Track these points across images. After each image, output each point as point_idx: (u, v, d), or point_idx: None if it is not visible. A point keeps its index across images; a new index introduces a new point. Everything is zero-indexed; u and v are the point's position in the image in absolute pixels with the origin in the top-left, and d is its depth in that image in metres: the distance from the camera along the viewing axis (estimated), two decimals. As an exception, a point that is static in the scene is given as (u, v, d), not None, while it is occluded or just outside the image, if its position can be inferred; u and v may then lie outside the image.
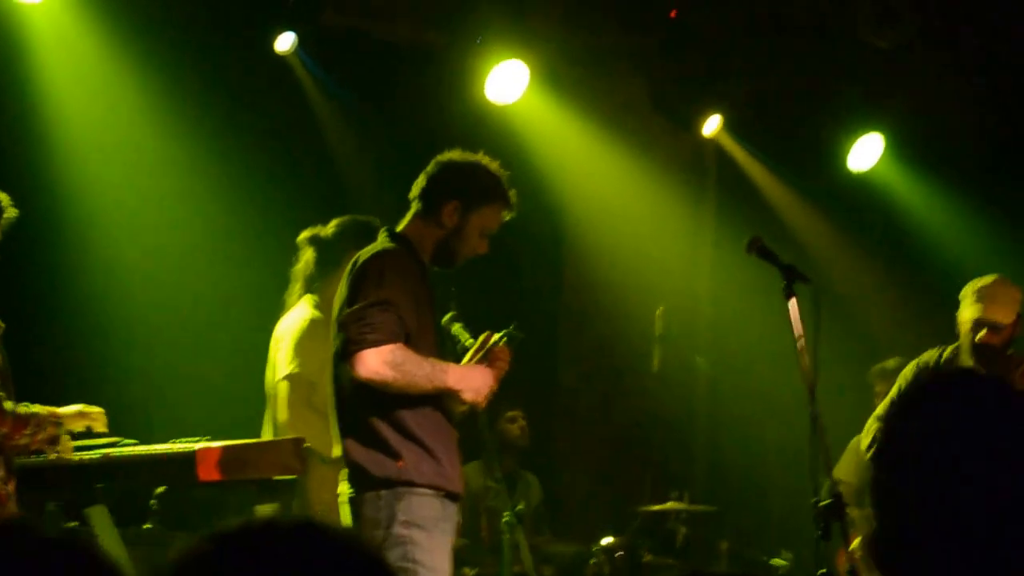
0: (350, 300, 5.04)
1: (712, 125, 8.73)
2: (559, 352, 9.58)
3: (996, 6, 8.37)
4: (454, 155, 5.44)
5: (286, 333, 6.48)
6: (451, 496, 5.16)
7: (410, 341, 5.01)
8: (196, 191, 7.78)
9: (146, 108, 7.60)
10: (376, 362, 4.90)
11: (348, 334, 4.95)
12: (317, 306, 6.49)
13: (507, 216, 5.41)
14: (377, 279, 5.02)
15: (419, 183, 5.39)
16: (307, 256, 6.57)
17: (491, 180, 5.37)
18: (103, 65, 7.47)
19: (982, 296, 6.69)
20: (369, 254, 5.16)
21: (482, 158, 5.44)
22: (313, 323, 6.42)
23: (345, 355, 4.96)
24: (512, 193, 5.40)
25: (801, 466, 6.30)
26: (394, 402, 5.02)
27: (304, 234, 6.62)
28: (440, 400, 5.13)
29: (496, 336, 5.37)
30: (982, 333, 6.66)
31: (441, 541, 5.11)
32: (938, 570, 2.27)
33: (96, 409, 5.46)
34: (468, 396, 5.10)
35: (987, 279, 6.75)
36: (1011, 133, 9.09)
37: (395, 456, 5.02)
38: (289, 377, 6.39)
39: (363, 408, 5.05)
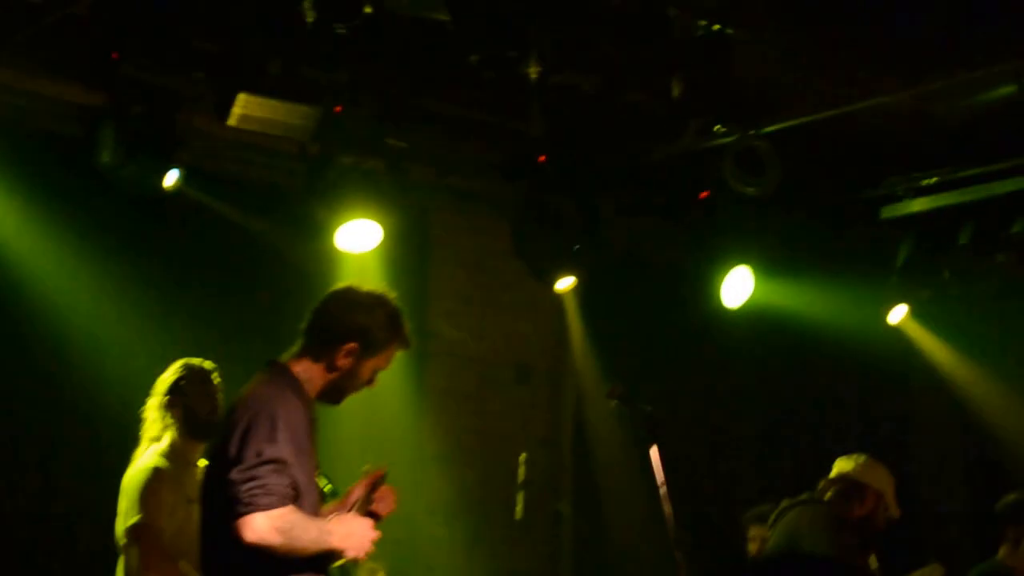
0: (239, 452, 4.70)
1: (566, 282, 8.60)
2: (422, 498, 9.45)
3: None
4: (352, 291, 5.08)
5: (130, 483, 6.47)
6: None
7: (298, 499, 4.75)
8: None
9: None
10: (265, 527, 4.61)
11: (238, 494, 4.63)
12: (164, 455, 6.52)
13: (401, 352, 5.10)
14: (269, 433, 4.69)
15: (315, 317, 5.02)
16: (150, 406, 6.62)
17: (391, 322, 5.02)
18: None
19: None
20: (259, 399, 4.81)
21: (380, 293, 5.07)
22: (156, 471, 6.44)
23: (233, 515, 4.63)
24: (409, 330, 5.07)
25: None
26: (279, 566, 4.71)
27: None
28: (321, 559, 4.84)
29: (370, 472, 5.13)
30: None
31: None
32: None
33: None
34: (351, 554, 4.86)
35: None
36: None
37: None
38: (136, 527, 6.37)
39: (246, 570, 4.72)
